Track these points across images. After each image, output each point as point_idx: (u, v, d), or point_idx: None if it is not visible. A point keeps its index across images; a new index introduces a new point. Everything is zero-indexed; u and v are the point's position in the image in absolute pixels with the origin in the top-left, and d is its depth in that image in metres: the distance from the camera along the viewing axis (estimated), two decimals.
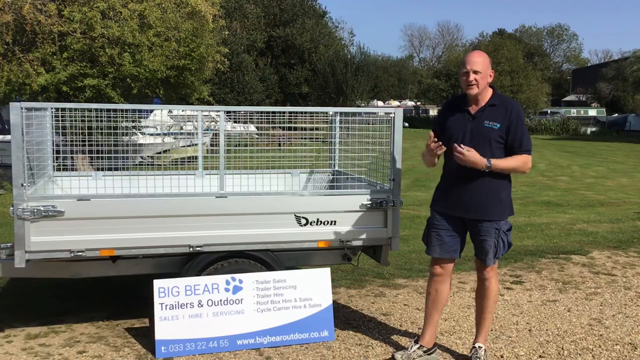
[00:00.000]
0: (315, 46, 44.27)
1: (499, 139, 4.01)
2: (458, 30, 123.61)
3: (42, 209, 4.16)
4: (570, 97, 69.49)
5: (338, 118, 5.87)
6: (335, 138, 6.01)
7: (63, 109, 5.10)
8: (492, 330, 4.93)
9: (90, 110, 5.18)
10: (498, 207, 4.09)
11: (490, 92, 4.11)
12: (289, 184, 6.04)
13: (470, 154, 3.94)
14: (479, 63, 4.00)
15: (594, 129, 46.24)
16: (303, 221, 4.70)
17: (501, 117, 4.01)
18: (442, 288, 4.35)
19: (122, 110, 5.75)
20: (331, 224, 4.76)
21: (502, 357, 4.41)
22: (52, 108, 5.20)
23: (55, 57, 12.70)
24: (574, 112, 54.10)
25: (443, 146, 4.05)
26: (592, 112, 56.33)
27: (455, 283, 6.23)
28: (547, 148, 28.61)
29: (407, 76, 72.90)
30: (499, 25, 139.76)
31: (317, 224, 4.72)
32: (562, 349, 4.57)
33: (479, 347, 4.28)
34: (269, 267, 4.75)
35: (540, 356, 4.44)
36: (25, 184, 4.18)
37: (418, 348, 4.30)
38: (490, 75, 4.06)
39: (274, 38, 44.43)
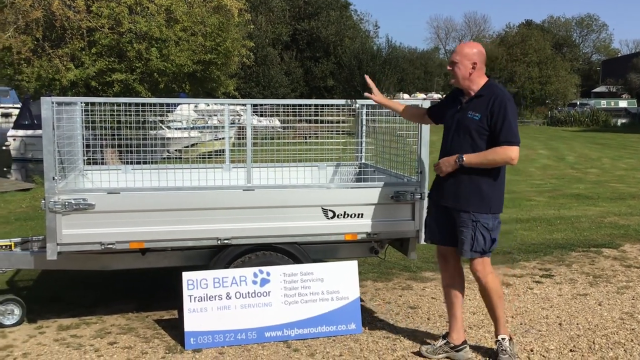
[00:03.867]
0: (340, 39, 44.11)
1: (480, 130, 3.95)
2: (485, 21, 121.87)
3: (73, 202, 4.22)
4: (600, 88, 68.32)
5: (365, 110, 5.85)
6: (361, 131, 5.99)
7: (92, 104, 5.16)
8: (521, 324, 4.89)
9: (118, 104, 5.22)
10: (476, 199, 4.01)
11: (482, 82, 4.05)
12: (316, 177, 6.03)
13: (441, 162, 4.09)
14: (458, 54, 4.05)
15: (624, 121, 45.43)
16: (330, 214, 4.69)
17: (483, 108, 3.95)
18: (452, 282, 4.31)
19: (150, 105, 5.79)
20: (358, 217, 4.74)
21: (532, 350, 4.37)
22: (81, 102, 5.26)
23: (84, 52, 12.89)
24: (603, 103, 53.23)
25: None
26: (622, 104, 55.35)
27: None
28: (576, 140, 28.18)
29: (433, 68, 72.30)
30: (526, 16, 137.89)
31: (344, 217, 4.71)
32: (594, 343, 4.50)
33: (502, 338, 4.18)
34: (296, 260, 4.76)
35: (571, 350, 4.38)
36: (56, 178, 4.24)
37: (445, 344, 4.27)
38: (474, 65, 4.00)
39: (299, 31, 44.40)
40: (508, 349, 4.14)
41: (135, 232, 4.39)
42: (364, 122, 5.94)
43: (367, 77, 4.87)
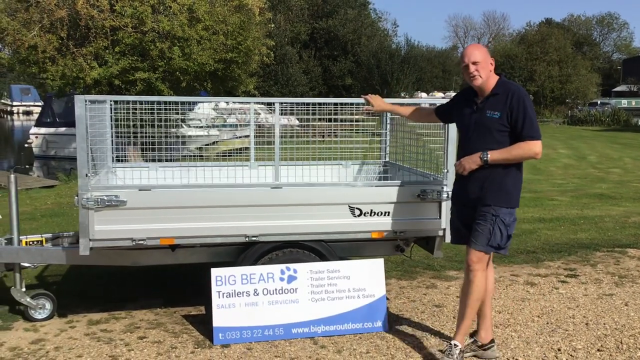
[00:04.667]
0: (358, 37, 44.06)
1: (501, 127, 3.95)
2: (504, 19, 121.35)
3: (105, 198, 4.29)
4: (621, 88, 67.54)
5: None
6: (386, 129, 6.01)
7: (115, 102, 5.23)
8: (547, 323, 4.88)
9: (141, 102, 5.27)
10: (497, 193, 4.00)
11: (494, 80, 4.05)
12: (340, 175, 6.07)
13: (464, 160, 4.06)
14: (476, 54, 4.02)
15: None
16: (357, 212, 4.72)
17: (501, 105, 3.95)
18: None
19: (179, 103, 5.86)
20: (385, 215, 4.77)
21: (559, 350, 4.37)
22: (110, 101, 5.33)
23: (107, 51, 13.04)
24: (624, 102, 52.62)
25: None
26: None
27: (507, 276, 6.18)
28: (597, 139, 27.90)
29: (452, 67, 71.91)
30: (546, 15, 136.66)
31: (370, 215, 4.74)
32: (621, 342, 4.49)
33: (455, 345, 4.07)
34: (323, 257, 4.80)
35: (598, 350, 4.37)
36: (89, 175, 4.32)
37: (472, 342, 4.28)
38: (491, 64, 4.03)
39: (317, 30, 44.43)
40: (456, 356, 4.03)
41: (166, 229, 4.45)
42: (388, 121, 5.96)
43: (363, 96, 4.83)
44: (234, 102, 9.02)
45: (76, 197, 4.34)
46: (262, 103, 6.82)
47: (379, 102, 4.77)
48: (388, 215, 4.78)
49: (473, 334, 4.33)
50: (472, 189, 4.11)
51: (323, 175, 5.60)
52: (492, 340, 4.29)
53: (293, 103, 5.56)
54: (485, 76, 4.02)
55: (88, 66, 12.78)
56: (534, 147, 3.93)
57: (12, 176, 4.83)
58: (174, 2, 13.21)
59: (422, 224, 4.83)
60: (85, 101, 4.30)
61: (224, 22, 14.03)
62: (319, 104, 5.59)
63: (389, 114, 5.85)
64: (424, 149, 5.19)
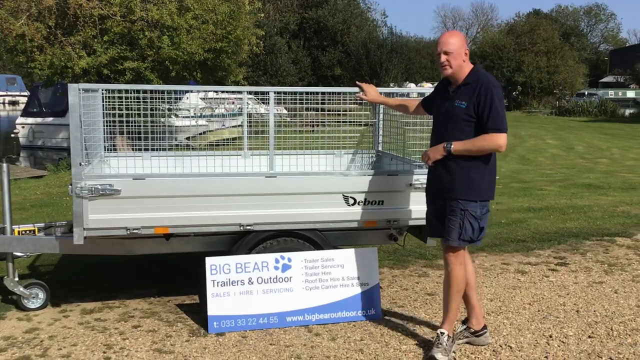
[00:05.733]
0: (347, 27, 43.92)
1: (467, 117, 3.94)
2: (492, 10, 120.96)
3: (99, 187, 4.28)
4: (608, 79, 67.91)
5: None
6: (378, 119, 6.02)
7: (109, 91, 5.18)
8: (539, 310, 4.94)
9: (132, 91, 5.20)
10: (464, 187, 3.99)
11: (468, 69, 4.04)
12: (334, 164, 6.08)
13: (429, 151, 4.11)
14: (451, 43, 3.99)
15: (632, 111, 45.19)
16: (351, 201, 4.75)
17: (469, 96, 3.94)
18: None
19: (171, 92, 5.83)
20: (378, 204, 4.80)
21: (551, 337, 4.42)
22: (102, 90, 5.30)
23: (96, 40, 12.89)
24: (611, 93, 52.97)
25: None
26: (630, 94, 55.06)
27: (498, 264, 6.23)
28: (585, 130, 28.10)
29: None
30: (534, 5, 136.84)
31: (364, 204, 4.77)
32: (612, 329, 4.55)
33: (442, 333, 4.10)
34: (317, 246, 4.82)
35: (589, 336, 4.43)
36: (83, 163, 4.30)
37: (465, 329, 4.32)
38: (466, 54, 4.01)
39: (307, 20, 44.24)
40: (445, 343, 4.06)
41: (160, 218, 4.45)
42: (380, 110, 5.97)
43: (357, 83, 4.89)
44: (224, 92, 9.00)
45: (70, 186, 4.32)
46: (254, 92, 6.82)
47: (372, 92, 4.78)
48: (382, 204, 4.80)
49: (465, 321, 4.37)
50: (440, 181, 4.12)
51: (317, 164, 5.62)
52: (485, 327, 4.33)
53: (281, 92, 5.54)
54: (457, 66, 3.99)
55: (77, 55, 12.63)
56: (498, 139, 3.90)
57: (5, 165, 4.79)
58: None
59: (415, 213, 4.85)
60: (79, 90, 4.27)
61: (213, 11, 13.89)
62: (312, 93, 5.59)
63: (380, 106, 5.86)
64: (415, 138, 5.20)
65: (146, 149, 5.40)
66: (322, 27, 43.92)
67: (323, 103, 5.63)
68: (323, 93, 5.58)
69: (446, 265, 4.15)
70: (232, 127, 8.14)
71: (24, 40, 12.56)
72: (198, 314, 4.79)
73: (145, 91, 5.14)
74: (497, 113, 3.89)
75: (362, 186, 4.76)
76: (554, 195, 10.52)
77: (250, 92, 6.56)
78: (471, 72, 4.04)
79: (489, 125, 3.89)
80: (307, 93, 5.57)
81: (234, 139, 6.78)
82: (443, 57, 4.00)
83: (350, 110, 5.92)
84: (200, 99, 9.34)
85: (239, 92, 5.99)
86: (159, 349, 4.20)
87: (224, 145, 6.17)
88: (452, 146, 3.96)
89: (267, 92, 4.76)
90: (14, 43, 12.74)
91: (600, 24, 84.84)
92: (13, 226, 4.96)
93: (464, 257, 4.18)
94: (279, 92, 5.06)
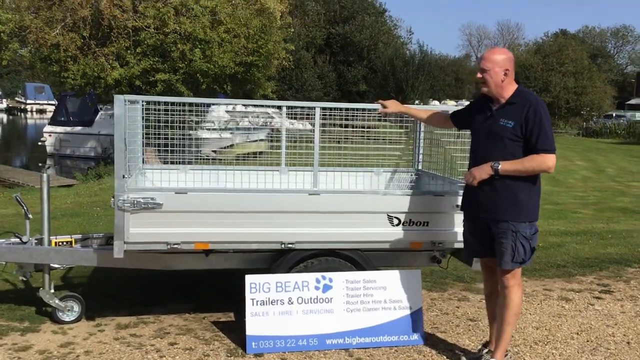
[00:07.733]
0: (374, 44, 43.91)
1: (513, 137, 3.84)
2: (519, 29, 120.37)
3: (141, 200, 4.20)
4: (635, 100, 66.99)
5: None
6: (419, 136, 5.88)
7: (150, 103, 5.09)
8: (587, 341, 4.74)
9: (167, 103, 5.08)
10: (513, 208, 3.88)
11: (513, 89, 3.94)
12: (372, 182, 5.94)
13: (474, 170, 3.95)
14: (489, 61, 3.92)
15: None
16: (395, 221, 4.61)
17: (517, 115, 3.84)
18: (496, 291, 4.18)
19: (208, 105, 5.76)
20: (424, 225, 4.65)
21: None
22: (142, 101, 5.22)
23: (129, 51, 12.99)
24: (639, 116, 52.15)
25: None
26: None
27: (540, 290, 6.04)
28: (614, 152, 27.64)
29: (465, 75, 71.69)
30: (560, 26, 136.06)
31: (409, 225, 4.63)
32: None
33: None
34: (359, 267, 4.68)
35: None
36: (126, 176, 4.23)
37: (487, 352, 4.19)
38: (506, 73, 3.89)
39: (333, 35, 44.33)
40: None
41: (201, 233, 4.35)
42: (421, 127, 5.83)
43: (379, 101, 4.68)
44: (261, 106, 8.94)
45: (112, 199, 4.24)
46: (293, 107, 6.71)
47: (393, 104, 4.63)
48: (427, 225, 4.66)
49: (486, 344, 4.26)
50: (484, 202, 3.99)
51: (355, 182, 5.48)
52: (507, 351, 4.19)
53: (305, 107, 5.40)
54: (495, 84, 3.90)
55: (109, 66, 12.75)
56: (548, 160, 3.82)
57: (45, 175, 4.74)
58: (197, 4, 13.16)
59: (460, 235, 4.70)
60: (125, 101, 4.21)
61: (245, 25, 13.97)
62: (346, 109, 5.46)
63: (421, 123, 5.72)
64: (457, 158, 5.05)
65: (182, 162, 5.34)
66: (348, 42, 43.95)
67: (361, 119, 5.51)
68: (363, 109, 5.47)
69: (502, 288, 4.02)
70: (258, 140, 8.08)
71: (58, 50, 12.70)
72: (235, 332, 4.67)
73: (179, 103, 5.05)
74: (546, 134, 3.81)
75: (408, 206, 4.62)
76: (590, 218, 10.26)
77: (277, 107, 6.43)
78: (516, 91, 3.94)
79: (538, 146, 3.80)
80: (346, 109, 5.46)
81: (260, 153, 6.69)
82: (479, 74, 3.95)
83: (383, 127, 5.79)
84: (226, 111, 9.30)
85: (279, 107, 5.88)
86: None
87: (252, 159, 6.08)
88: (500, 166, 3.84)
89: (313, 107, 4.64)
90: (48, 52, 12.89)
91: (628, 45, 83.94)
92: (50, 237, 4.90)
93: (520, 279, 4.04)
94: (306, 108, 4.91)
